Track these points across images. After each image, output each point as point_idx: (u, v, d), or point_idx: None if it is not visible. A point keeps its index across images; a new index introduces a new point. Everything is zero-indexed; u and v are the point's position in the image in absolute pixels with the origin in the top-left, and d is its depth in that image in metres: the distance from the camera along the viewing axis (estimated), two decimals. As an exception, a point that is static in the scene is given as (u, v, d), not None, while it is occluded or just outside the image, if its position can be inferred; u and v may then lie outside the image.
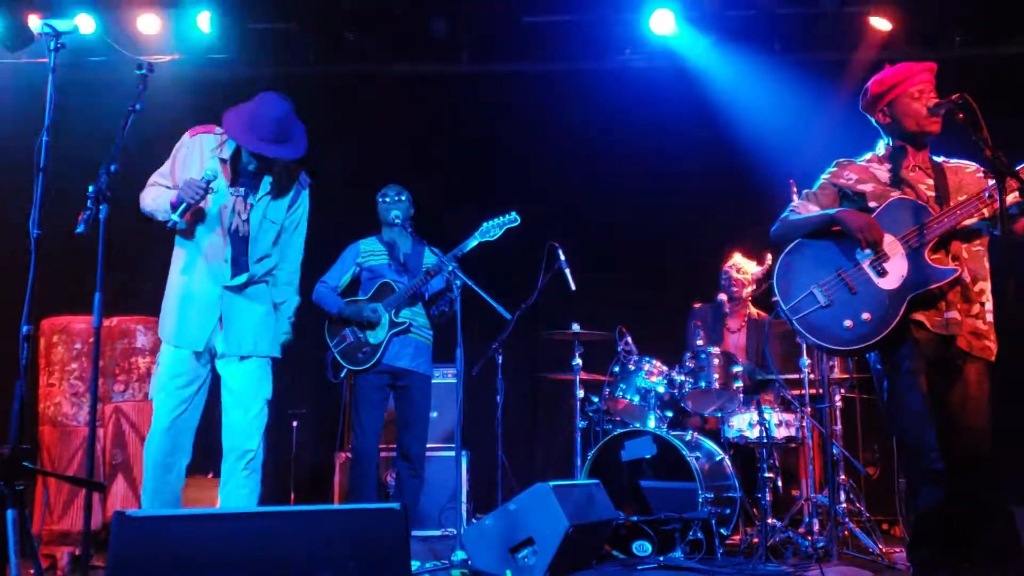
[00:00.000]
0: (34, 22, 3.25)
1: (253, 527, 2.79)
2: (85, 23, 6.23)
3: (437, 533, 5.65)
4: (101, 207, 3.30)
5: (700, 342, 5.41)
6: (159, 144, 4.03)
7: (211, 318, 3.77)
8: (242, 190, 3.83)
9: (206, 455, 3.99)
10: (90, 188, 3.29)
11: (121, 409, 4.77)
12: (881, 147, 3.48)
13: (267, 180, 3.88)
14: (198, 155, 3.82)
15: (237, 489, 3.76)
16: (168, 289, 3.86)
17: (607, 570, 4.62)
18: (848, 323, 3.22)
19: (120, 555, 2.61)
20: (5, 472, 2.66)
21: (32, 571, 2.84)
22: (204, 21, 6.51)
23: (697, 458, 4.98)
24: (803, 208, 3.47)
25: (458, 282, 4.63)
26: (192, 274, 3.80)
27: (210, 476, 4.99)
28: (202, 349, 3.76)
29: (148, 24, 6.54)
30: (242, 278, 3.82)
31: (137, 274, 3.97)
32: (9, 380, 3.55)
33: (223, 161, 3.82)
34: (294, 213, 3.98)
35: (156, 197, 3.77)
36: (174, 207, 3.68)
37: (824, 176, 3.51)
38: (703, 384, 5.22)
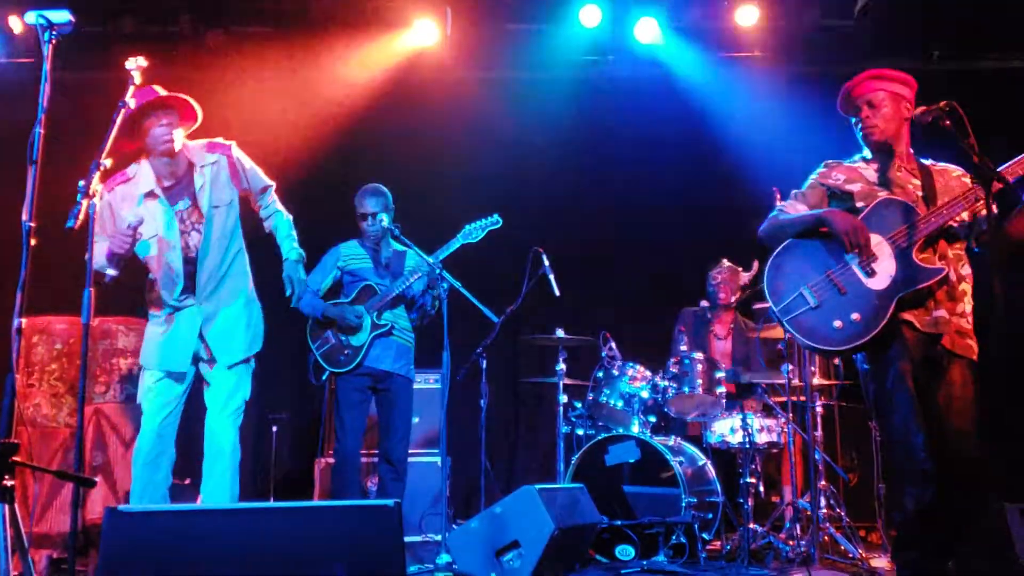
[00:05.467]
0: (23, 18, 3.23)
1: (245, 523, 2.77)
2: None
3: (418, 539, 5.62)
4: (91, 203, 3.27)
5: (684, 347, 5.44)
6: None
7: (189, 338, 3.94)
8: (181, 203, 3.92)
9: (183, 459, 4.07)
10: (80, 183, 3.26)
11: (102, 411, 4.71)
12: (868, 150, 3.54)
13: (196, 173, 3.96)
14: (125, 204, 3.90)
15: (216, 487, 3.88)
16: (149, 324, 4.04)
17: (591, 574, 4.63)
18: (838, 323, 3.26)
19: (111, 550, 2.59)
20: (-3, 466, 2.62)
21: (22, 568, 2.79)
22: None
23: (680, 463, 5.01)
24: (791, 208, 3.51)
25: (444, 284, 4.63)
26: (161, 304, 3.97)
27: (187, 481, 4.94)
28: (187, 369, 3.95)
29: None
30: (209, 285, 3.94)
31: (119, 275, 3.96)
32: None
33: (150, 195, 3.90)
34: (243, 175, 4.08)
35: (99, 254, 3.80)
36: (109, 260, 3.77)
37: (813, 176, 3.56)
38: (686, 389, 5.25)
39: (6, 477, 2.63)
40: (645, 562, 4.71)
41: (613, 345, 5.48)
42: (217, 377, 3.97)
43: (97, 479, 4.60)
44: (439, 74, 6.78)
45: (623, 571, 4.62)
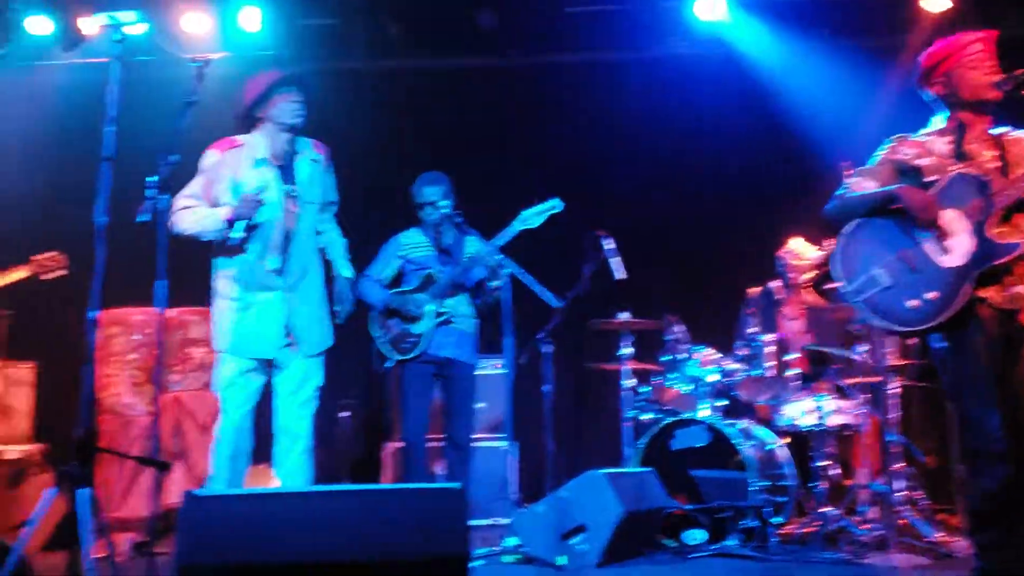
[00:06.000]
0: (96, 20, 3.35)
1: (317, 506, 2.83)
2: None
3: (486, 522, 5.67)
4: (162, 197, 3.37)
5: (753, 329, 5.37)
6: (211, 139, 4.11)
7: (277, 324, 3.90)
8: (288, 185, 3.96)
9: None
10: (151, 178, 3.36)
11: (179, 399, 4.88)
12: (939, 121, 3.42)
13: (300, 162, 4.03)
14: (229, 169, 3.93)
15: (294, 471, 3.91)
16: (221, 300, 3.95)
17: (659, 558, 4.60)
18: (913, 303, 3.17)
19: (189, 533, 2.68)
20: (80, 453, 2.72)
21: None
22: (249, 18, 6.57)
23: (750, 446, 4.95)
24: (858, 186, 3.42)
25: (506, 270, 4.63)
26: (247, 282, 3.90)
27: (262, 466, 5.06)
28: (261, 356, 3.89)
29: (195, 23, 6.62)
30: (296, 273, 3.93)
31: (190, 266, 4.05)
32: (68, 370, 3.65)
33: (262, 163, 3.93)
34: (327, 182, 4.17)
35: (199, 219, 3.86)
36: (230, 223, 3.79)
37: (880, 152, 3.46)
38: (756, 372, 5.18)
39: (87, 463, 2.74)
40: (715, 546, 4.66)
41: (679, 328, 5.43)
42: (294, 364, 3.96)
43: (175, 464, 4.76)
44: (492, 61, 6.78)
45: (692, 555, 4.58)
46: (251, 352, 3.89)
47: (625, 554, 4.40)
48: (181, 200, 3.87)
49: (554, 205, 4.80)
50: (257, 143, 3.98)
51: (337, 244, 4.27)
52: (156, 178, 3.33)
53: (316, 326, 4.04)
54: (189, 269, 4.12)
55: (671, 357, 5.38)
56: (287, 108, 3.94)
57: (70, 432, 2.89)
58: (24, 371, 5.71)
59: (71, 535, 2.69)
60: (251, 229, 3.85)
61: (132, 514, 4.72)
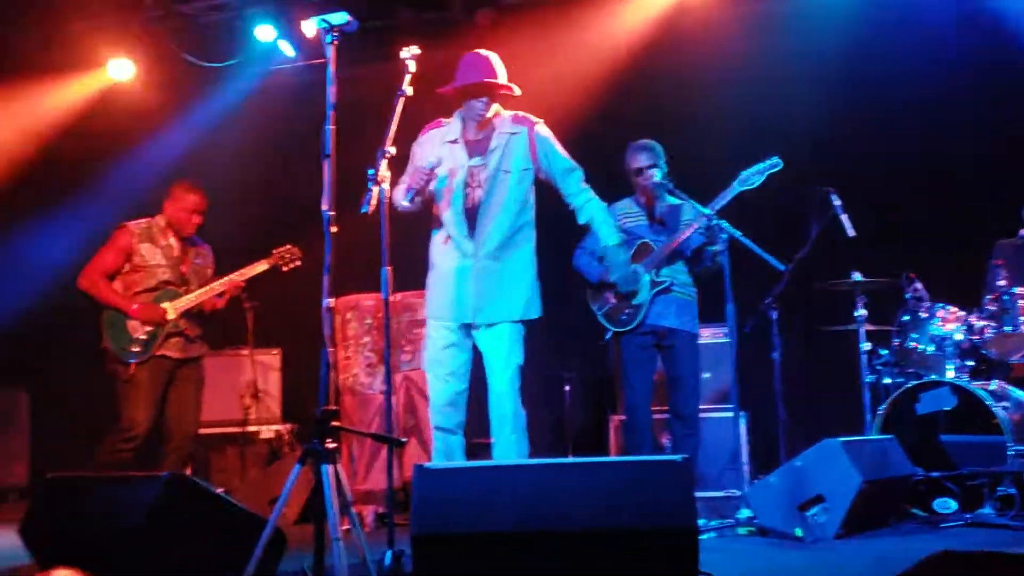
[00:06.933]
0: (309, 24, 3.59)
1: (542, 478, 2.90)
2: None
3: (719, 494, 5.56)
4: (381, 188, 3.53)
5: (1003, 282, 4.91)
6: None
7: (461, 291, 4.04)
8: (476, 159, 4.09)
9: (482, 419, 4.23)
10: (370, 171, 3.52)
11: (410, 377, 5.13)
12: None
13: (495, 137, 4.13)
14: (430, 148, 4.15)
15: (505, 449, 4.02)
16: (430, 268, 4.22)
17: (906, 528, 4.35)
18: None
19: (421, 505, 2.83)
20: (319, 431, 2.92)
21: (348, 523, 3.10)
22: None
23: (1005, 408, 4.55)
24: None
25: (724, 235, 4.48)
26: (442, 251, 4.14)
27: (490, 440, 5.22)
28: (455, 322, 4.04)
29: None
30: (489, 244, 4.02)
31: (415, 251, 4.24)
32: (309, 355, 3.92)
33: (453, 142, 4.13)
34: (541, 152, 4.15)
35: (398, 191, 4.09)
36: (405, 192, 4.04)
37: None
38: (1008, 328, 4.73)
39: (328, 440, 2.93)
40: (969, 515, 4.33)
41: (919, 285, 5.05)
42: (487, 340, 4.05)
43: (410, 440, 5.02)
44: (705, 14, 6.56)
45: (943, 525, 4.29)
46: (441, 315, 4.08)
47: (867, 525, 4.19)
48: (400, 179, 4.14)
49: (775, 163, 4.61)
50: (455, 123, 4.19)
51: (597, 214, 4.20)
52: (372, 172, 3.48)
53: (500, 297, 4.05)
54: (417, 253, 4.32)
55: (911, 317, 5.03)
56: (473, 106, 4.12)
57: (314, 412, 3.08)
58: (272, 357, 6.26)
59: (319, 508, 2.88)
60: (437, 199, 4.07)
61: (376, 487, 5.03)
